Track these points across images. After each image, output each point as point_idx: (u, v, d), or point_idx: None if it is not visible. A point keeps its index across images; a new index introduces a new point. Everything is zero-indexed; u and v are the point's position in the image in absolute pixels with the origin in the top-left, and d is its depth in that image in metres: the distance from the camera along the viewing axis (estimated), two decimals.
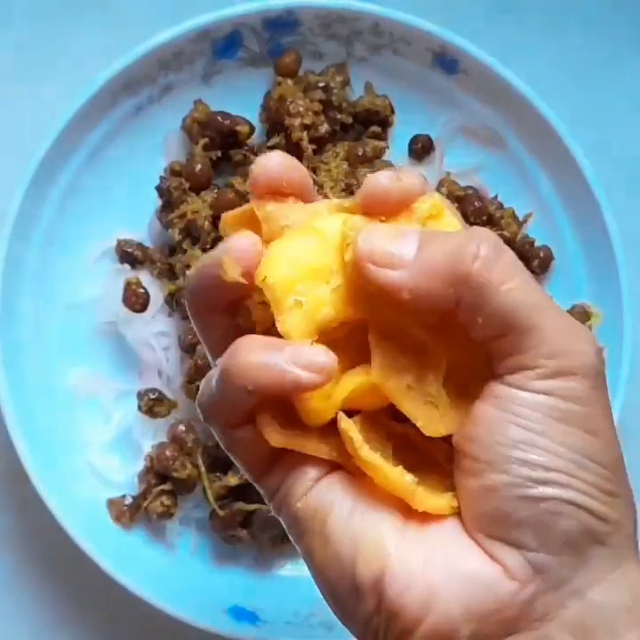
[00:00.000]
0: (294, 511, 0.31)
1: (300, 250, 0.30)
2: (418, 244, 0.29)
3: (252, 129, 0.56)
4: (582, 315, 0.55)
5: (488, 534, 0.29)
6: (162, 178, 0.55)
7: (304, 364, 0.29)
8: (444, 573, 0.29)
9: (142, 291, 0.54)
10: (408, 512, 0.30)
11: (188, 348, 0.53)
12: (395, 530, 0.30)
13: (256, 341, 0.30)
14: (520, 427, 0.28)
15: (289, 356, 0.29)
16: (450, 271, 0.28)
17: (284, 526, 0.32)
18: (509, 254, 0.29)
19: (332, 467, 0.31)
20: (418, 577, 0.29)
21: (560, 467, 0.28)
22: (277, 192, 0.31)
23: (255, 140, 0.56)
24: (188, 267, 0.53)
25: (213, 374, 0.31)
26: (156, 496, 0.54)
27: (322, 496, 0.31)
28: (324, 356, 0.29)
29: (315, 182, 0.53)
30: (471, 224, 0.46)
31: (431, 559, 0.29)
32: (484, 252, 0.28)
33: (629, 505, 0.29)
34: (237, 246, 0.30)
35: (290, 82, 0.55)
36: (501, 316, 0.28)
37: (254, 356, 0.29)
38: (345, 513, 0.30)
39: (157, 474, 0.54)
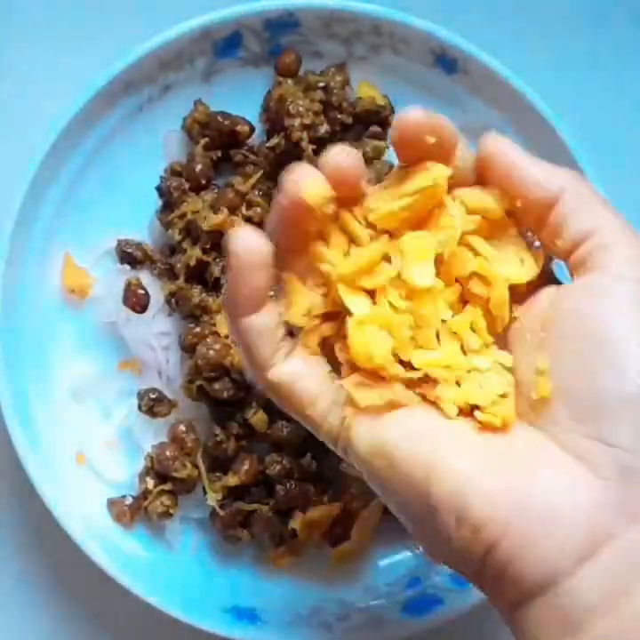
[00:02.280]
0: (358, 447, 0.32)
1: None
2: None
3: (252, 129, 0.56)
4: None
5: (575, 428, 0.29)
6: (162, 178, 0.55)
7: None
8: (519, 490, 0.29)
9: (142, 291, 0.54)
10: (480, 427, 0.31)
11: (189, 348, 0.53)
12: (465, 444, 0.30)
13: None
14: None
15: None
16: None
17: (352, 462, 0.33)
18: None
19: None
20: (498, 493, 0.29)
21: None
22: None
23: (255, 140, 0.56)
24: (188, 267, 0.53)
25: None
26: (157, 496, 0.54)
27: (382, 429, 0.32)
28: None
29: None
30: None
31: (510, 470, 0.29)
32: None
33: None
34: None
35: (290, 82, 0.55)
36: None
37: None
38: (410, 437, 0.31)
39: (157, 474, 0.54)
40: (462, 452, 0.30)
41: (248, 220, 0.53)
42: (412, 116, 0.32)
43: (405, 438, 0.31)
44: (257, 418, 0.52)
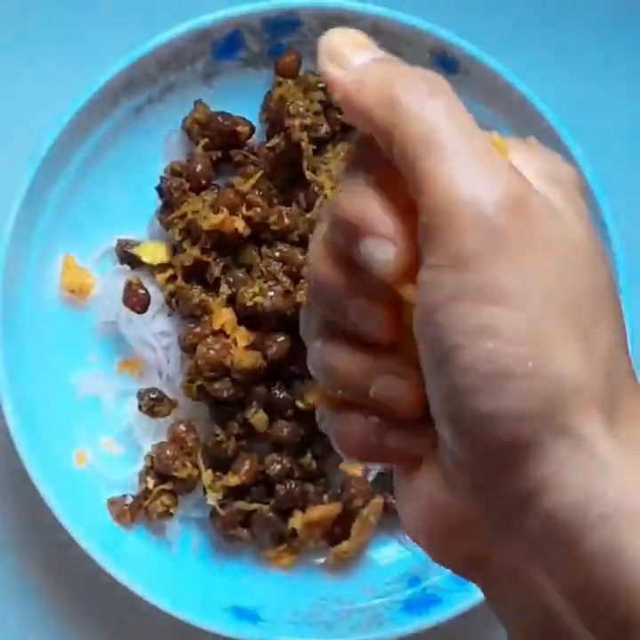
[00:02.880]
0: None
1: None
2: (370, 60, 0.28)
3: (253, 129, 0.56)
4: None
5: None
6: (162, 178, 0.55)
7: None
8: None
9: (143, 291, 0.54)
10: None
11: (189, 348, 0.53)
12: None
13: None
14: None
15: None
16: (379, 87, 0.27)
17: None
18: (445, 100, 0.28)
19: None
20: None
21: None
22: None
23: (255, 140, 0.56)
24: (188, 267, 0.53)
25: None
26: (157, 496, 0.54)
27: None
28: None
29: (314, 183, 0.53)
30: None
31: None
32: (419, 86, 0.27)
33: None
34: None
35: (290, 82, 0.55)
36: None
37: None
38: None
39: (158, 473, 0.54)
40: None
41: (248, 220, 0.53)
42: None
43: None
44: (257, 418, 0.52)
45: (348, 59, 0.28)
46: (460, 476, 0.27)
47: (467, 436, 0.26)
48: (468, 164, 0.26)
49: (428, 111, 0.27)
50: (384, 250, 0.27)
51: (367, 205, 0.27)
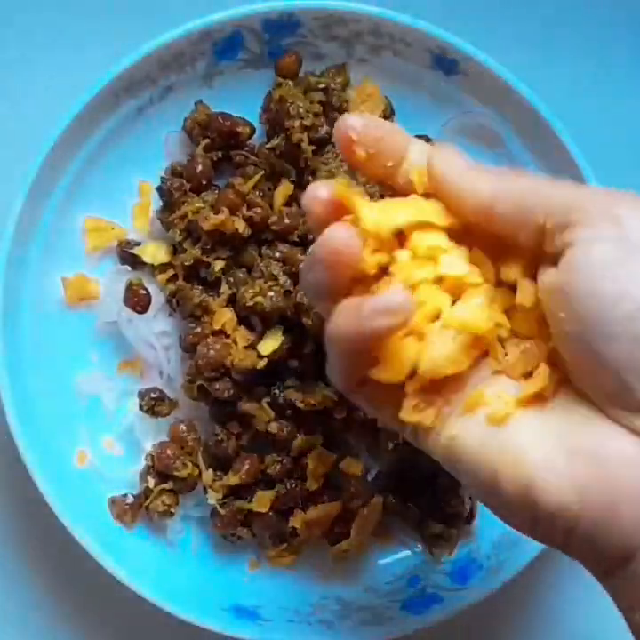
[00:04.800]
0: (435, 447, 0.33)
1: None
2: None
3: (253, 130, 0.56)
4: None
5: (611, 408, 0.30)
6: (162, 178, 0.55)
7: (382, 309, 0.31)
8: (588, 463, 0.29)
9: (143, 292, 0.55)
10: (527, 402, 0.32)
11: (189, 348, 0.53)
12: (529, 435, 0.31)
13: (344, 304, 0.32)
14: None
15: (368, 307, 0.31)
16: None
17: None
18: None
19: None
20: (564, 477, 0.29)
21: None
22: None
23: (255, 140, 0.56)
24: (188, 267, 0.53)
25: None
26: (158, 495, 0.54)
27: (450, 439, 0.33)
28: (401, 296, 0.31)
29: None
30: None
31: (572, 453, 0.30)
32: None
33: None
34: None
35: (290, 83, 0.55)
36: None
37: (341, 318, 0.32)
38: (477, 437, 0.32)
39: (158, 473, 0.54)
40: (522, 444, 0.31)
41: (248, 220, 0.53)
42: (348, 125, 0.33)
43: (466, 444, 0.32)
44: (261, 412, 0.52)
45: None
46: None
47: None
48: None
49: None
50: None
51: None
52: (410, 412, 0.34)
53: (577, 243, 0.30)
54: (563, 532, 0.30)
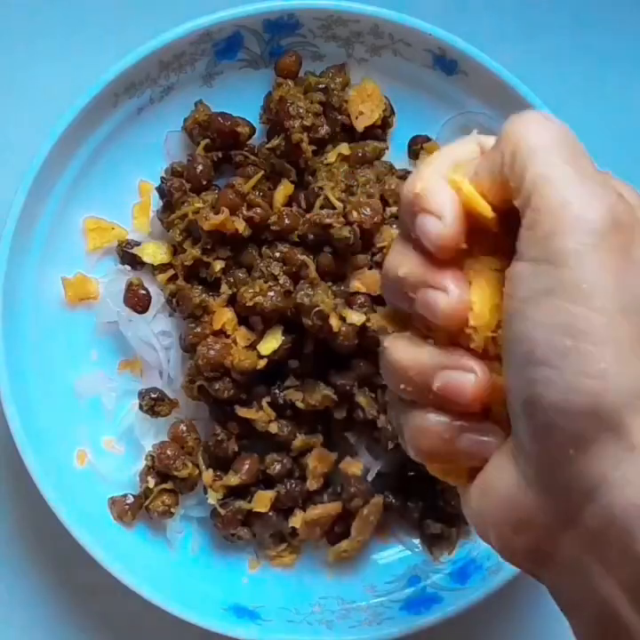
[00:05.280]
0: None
1: None
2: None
3: (253, 130, 0.56)
4: None
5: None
6: (163, 178, 0.55)
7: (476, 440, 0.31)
8: None
9: (144, 292, 0.55)
10: None
11: (189, 348, 0.53)
12: None
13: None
14: None
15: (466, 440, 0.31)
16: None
17: None
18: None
19: None
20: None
21: None
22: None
23: (256, 141, 0.56)
24: (188, 267, 0.53)
25: None
26: (158, 495, 0.54)
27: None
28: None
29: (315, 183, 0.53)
30: None
31: None
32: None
33: None
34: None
35: (290, 83, 0.55)
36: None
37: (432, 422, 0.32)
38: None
39: (158, 473, 0.54)
40: None
41: (248, 220, 0.53)
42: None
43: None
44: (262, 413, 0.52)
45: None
46: (529, 468, 0.29)
47: (537, 426, 0.28)
48: (582, 180, 0.29)
49: (544, 137, 0.30)
50: (434, 223, 0.30)
51: (426, 187, 0.31)
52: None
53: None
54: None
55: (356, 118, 0.55)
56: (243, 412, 0.52)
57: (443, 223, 0.30)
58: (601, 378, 0.27)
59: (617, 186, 0.31)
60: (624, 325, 0.27)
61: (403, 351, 0.32)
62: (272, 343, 0.52)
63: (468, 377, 0.31)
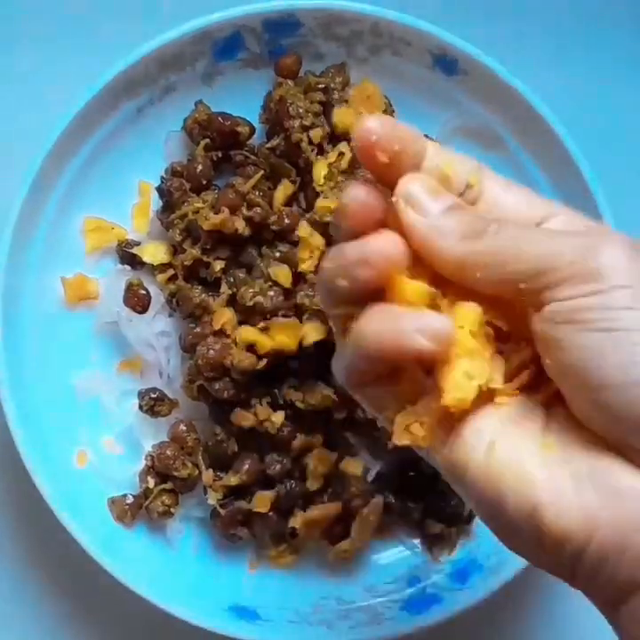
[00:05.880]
0: (439, 464, 0.33)
1: None
2: (444, 209, 0.31)
3: (253, 130, 0.56)
4: None
5: (623, 444, 0.30)
6: (162, 178, 0.55)
7: (425, 330, 0.30)
8: (598, 492, 0.29)
9: (143, 292, 0.55)
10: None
11: (189, 348, 0.53)
12: (534, 456, 0.30)
13: (380, 310, 0.32)
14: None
15: (410, 324, 0.31)
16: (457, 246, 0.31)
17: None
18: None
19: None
20: (572, 503, 0.29)
21: None
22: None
23: (255, 140, 0.56)
24: (188, 267, 0.53)
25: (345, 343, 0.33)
26: (157, 495, 0.54)
27: (457, 451, 0.32)
28: (444, 325, 0.31)
29: (314, 183, 0.53)
30: None
31: (579, 479, 0.30)
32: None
33: None
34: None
35: (290, 83, 0.55)
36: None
37: (376, 325, 0.31)
38: (481, 457, 0.31)
39: (158, 473, 0.54)
40: (525, 461, 0.30)
41: (248, 220, 0.53)
42: (368, 128, 0.31)
43: (469, 461, 0.31)
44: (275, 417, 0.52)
45: (425, 206, 0.31)
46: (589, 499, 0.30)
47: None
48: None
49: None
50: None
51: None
52: (401, 435, 0.33)
53: (551, 301, 0.30)
54: (569, 559, 0.29)
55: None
56: (239, 418, 0.52)
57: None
58: None
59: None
60: None
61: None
62: (314, 333, 0.51)
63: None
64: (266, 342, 0.51)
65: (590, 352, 0.29)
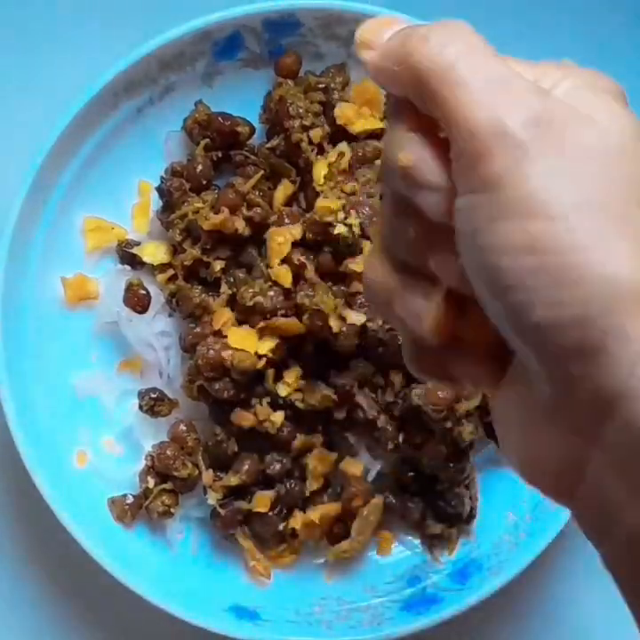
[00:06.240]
0: None
1: None
2: (394, 31, 0.30)
3: (253, 130, 0.56)
4: None
5: None
6: (162, 178, 0.55)
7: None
8: None
9: (143, 292, 0.55)
10: None
11: (189, 348, 0.53)
12: None
13: None
14: None
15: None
16: (398, 51, 0.29)
17: None
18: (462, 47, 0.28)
19: None
20: None
21: None
22: None
23: (255, 140, 0.56)
24: (188, 267, 0.53)
25: None
26: (157, 495, 0.54)
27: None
28: None
29: (314, 183, 0.53)
30: None
31: None
32: (434, 39, 0.28)
33: None
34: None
35: (290, 83, 0.55)
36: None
37: None
38: None
39: (158, 473, 0.54)
40: None
41: (248, 220, 0.53)
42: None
43: None
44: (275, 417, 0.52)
45: (377, 40, 0.30)
46: (542, 397, 0.27)
47: (536, 351, 0.26)
48: (487, 90, 0.27)
49: (444, 56, 0.27)
50: (434, 197, 0.28)
51: (417, 155, 0.28)
52: None
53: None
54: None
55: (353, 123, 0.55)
56: (238, 419, 0.52)
57: (439, 195, 0.28)
58: (582, 284, 0.24)
59: (536, 71, 0.30)
60: (592, 222, 0.25)
61: (371, 269, 0.31)
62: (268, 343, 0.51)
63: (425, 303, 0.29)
64: (254, 346, 0.51)
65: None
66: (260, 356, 0.51)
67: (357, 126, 0.55)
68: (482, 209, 0.26)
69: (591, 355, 0.25)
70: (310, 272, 0.51)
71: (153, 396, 0.55)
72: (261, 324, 0.51)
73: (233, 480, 0.53)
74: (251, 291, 0.51)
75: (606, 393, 0.25)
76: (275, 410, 0.52)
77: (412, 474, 0.55)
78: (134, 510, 0.54)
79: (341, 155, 0.54)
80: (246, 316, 0.52)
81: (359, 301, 0.51)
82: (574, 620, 0.59)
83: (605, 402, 0.25)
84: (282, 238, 0.51)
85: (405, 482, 0.55)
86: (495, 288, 0.26)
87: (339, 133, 0.55)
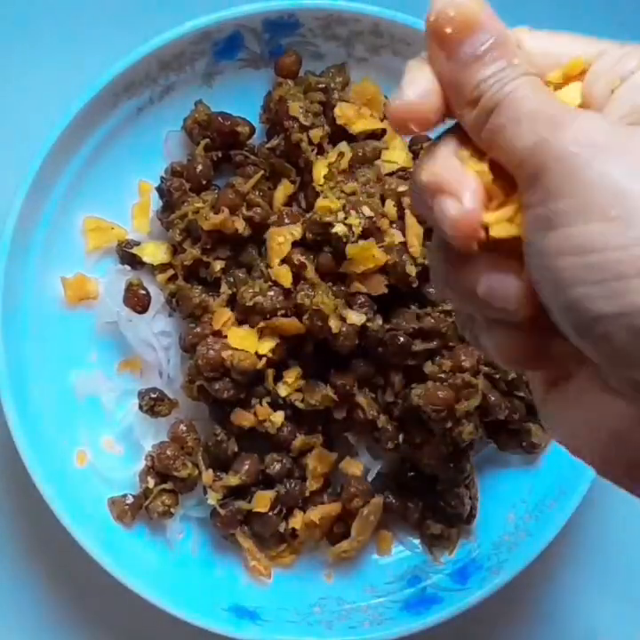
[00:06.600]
0: None
1: None
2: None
3: (253, 130, 0.56)
4: None
5: None
6: (162, 178, 0.55)
7: None
8: None
9: (143, 292, 0.55)
10: None
11: (189, 348, 0.53)
12: None
13: None
14: None
15: None
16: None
17: None
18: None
19: None
20: None
21: None
22: None
23: (255, 140, 0.56)
24: (188, 267, 0.53)
25: None
26: (157, 495, 0.54)
27: None
28: None
29: (314, 183, 0.53)
30: None
31: None
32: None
33: None
34: None
35: (290, 83, 0.55)
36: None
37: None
38: None
39: (158, 473, 0.54)
40: None
41: (248, 220, 0.53)
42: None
43: None
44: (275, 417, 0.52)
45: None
46: (613, 381, 0.28)
47: (599, 344, 0.27)
48: (541, 117, 0.28)
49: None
50: (453, 205, 0.29)
51: (438, 171, 0.30)
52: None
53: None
54: None
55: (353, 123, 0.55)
56: (238, 419, 0.52)
57: (462, 204, 0.29)
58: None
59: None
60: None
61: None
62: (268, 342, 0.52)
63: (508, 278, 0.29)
64: (254, 346, 0.51)
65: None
66: (260, 356, 0.51)
67: (357, 126, 0.55)
68: (543, 218, 0.27)
69: None
70: (310, 272, 0.51)
71: (153, 395, 0.55)
72: (261, 323, 0.51)
73: (233, 480, 0.53)
74: (251, 291, 0.51)
75: None
76: (275, 410, 0.52)
77: (411, 474, 0.55)
78: (134, 510, 0.54)
79: (341, 155, 0.54)
80: (246, 315, 0.52)
81: (359, 301, 0.51)
82: (574, 619, 0.59)
83: None
84: (282, 238, 0.51)
85: (405, 482, 0.55)
86: (554, 286, 0.27)
87: (338, 133, 0.55)
